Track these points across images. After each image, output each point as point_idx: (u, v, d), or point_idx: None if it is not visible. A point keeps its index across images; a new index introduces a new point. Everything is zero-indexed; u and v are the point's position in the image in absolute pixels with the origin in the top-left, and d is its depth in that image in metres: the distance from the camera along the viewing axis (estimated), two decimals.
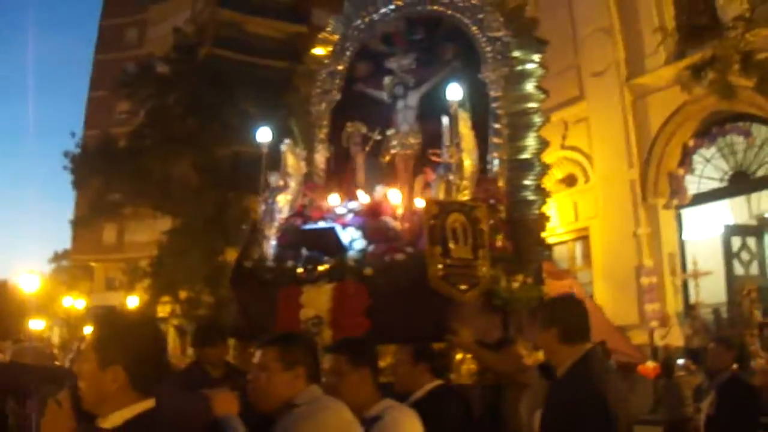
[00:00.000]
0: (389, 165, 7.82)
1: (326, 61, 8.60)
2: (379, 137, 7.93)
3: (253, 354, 6.58)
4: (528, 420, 5.20)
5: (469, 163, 6.47)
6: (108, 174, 27.77)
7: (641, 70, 19.24)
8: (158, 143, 27.12)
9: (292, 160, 7.40)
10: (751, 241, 18.95)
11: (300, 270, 6.64)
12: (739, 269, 18.41)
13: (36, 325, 40.78)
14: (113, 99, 37.20)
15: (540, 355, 5.31)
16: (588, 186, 20.09)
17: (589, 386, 3.93)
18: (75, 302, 46.25)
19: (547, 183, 7.23)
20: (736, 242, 18.71)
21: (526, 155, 7.13)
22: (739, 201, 19.60)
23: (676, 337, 16.62)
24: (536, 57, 7.37)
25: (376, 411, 3.76)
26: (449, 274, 5.88)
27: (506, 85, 7.27)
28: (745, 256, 18.62)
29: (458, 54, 7.84)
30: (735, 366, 8.20)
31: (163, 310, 29.76)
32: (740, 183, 18.37)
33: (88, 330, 45.95)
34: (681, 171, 18.72)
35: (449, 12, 7.87)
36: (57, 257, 61.29)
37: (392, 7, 8.31)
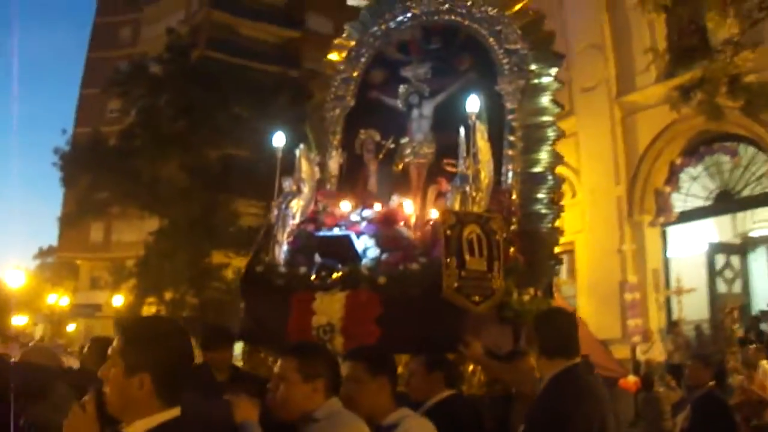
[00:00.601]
0: (402, 173, 7.82)
1: (341, 67, 8.56)
2: (392, 145, 7.92)
3: (263, 358, 6.70)
4: None
5: (484, 174, 6.47)
6: (97, 172, 27.71)
7: (631, 87, 19.43)
8: (148, 143, 27.02)
9: (306, 165, 7.37)
10: (735, 260, 19.23)
11: (313, 277, 6.65)
12: (722, 287, 18.69)
13: (18, 321, 40.66)
14: (105, 97, 36.96)
15: None
16: (575, 201, 20.04)
17: (551, 410, 3.98)
18: (59, 299, 46.11)
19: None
20: (720, 260, 18.97)
21: (539, 168, 7.15)
22: (724, 220, 19.86)
23: (657, 353, 16.75)
24: (553, 71, 7.38)
25: (392, 420, 3.74)
26: (463, 286, 5.89)
27: (522, 97, 7.29)
28: (728, 274, 18.90)
29: (474, 65, 7.83)
30: (712, 383, 8.39)
31: (148, 311, 29.71)
32: (726, 202, 18.58)
33: (71, 327, 45.96)
34: (667, 189, 18.92)
35: (466, 22, 7.88)
36: (42, 254, 61.14)
37: (409, 15, 8.31)
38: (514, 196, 6.83)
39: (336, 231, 7.03)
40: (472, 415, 4.84)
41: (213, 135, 27.26)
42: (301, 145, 7.54)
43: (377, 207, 7.28)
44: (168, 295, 27.69)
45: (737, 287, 19.04)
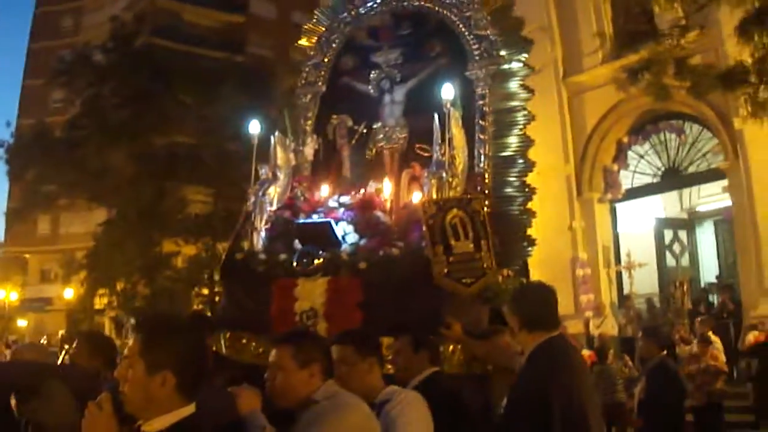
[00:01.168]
0: (376, 158, 7.85)
1: (311, 53, 8.55)
2: (365, 131, 7.95)
3: (245, 344, 6.77)
4: None
5: (459, 160, 6.60)
6: (43, 165, 27.30)
7: (578, 68, 19.69)
8: (94, 133, 26.69)
9: (281, 152, 7.40)
10: (683, 234, 19.76)
11: (295, 263, 6.72)
12: (671, 261, 19.19)
13: None
14: (48, 88, 36.37)
15: None
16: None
17: (534, 380, 4.12)
18: (8, 295, 45.35)
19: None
20: (668, 235, 19.46)
21: (509, 152, 7.18)
22: (672, 196, 20.37)
23: (610, 327, 17.13)
24: (522, 56, 7.48)
25: (383, 396, 3.90)
26: (452, 270, 6.01)
27: (492, 83, 7.36)
28: (676, 248, 19.39)
29: (444, 51, 7.87)
30: (664, 353, 8.87)
31: (99, 302, 29.43)
32: (672, 179, 19.04)
33: (23, 323, 45.25)
34: (615, 167, 19.28)
35: (436, 8, 7.92)
36: None
37: (379, 1, 8.33)
38: (487, 180, 6.91)
39: (315, 218, 7.10)
40: (456, 390, 4.96)
41: (159, 122, 26.99)
42: (276, 132, 7.56)
43: (353, 191, 7.36)
44: (119, 286, 27.45)
45: (685, 261, 19.56)
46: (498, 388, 5.60)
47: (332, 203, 7.27)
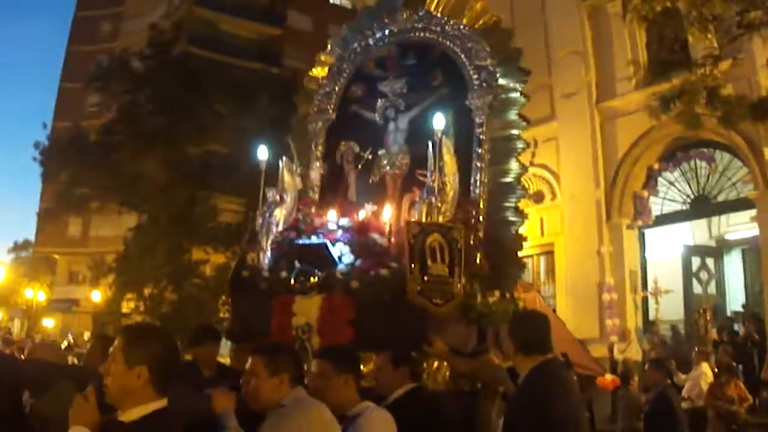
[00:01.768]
0: (379, 183, 8.18)
1: (323, 82, 8.90)
2: (370, 157, 8.28)
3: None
4: (498, 424, 5.71)
5: (450, 187, 6.87)
6: (77, 167, 27.60)
7: (611, 94, 19.66)
8: (129, 139, 26.99)
9: (288, 176, 7.72)
10: (710, 262, 19.62)
11: (293, 281, 7.07)
12: (697, 288, 19.05)
13: None
14: (84, 91, 36.78)
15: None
16: (555, 203, 20.43)
17: (533, 397, 4.39)
18: (36, 294, 45.87)
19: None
20: (695, 262, 19.34)
21: (506, 179, 7.46)
22: (700, 223, 20.24)
23: (634, 352, 17.08)
24: (519, 86, 7.71)
25: (355, 411, 4.22)
26: (425, 289, 6.28)
27: (490, 112, 7.58)
28: (703, 275, 19.26)
29: (446, 81, 8.14)
30: (668, 382, 9.52)
31: (126, 306, 29.68)
32: (702, 206, 18.87)
33: (49, 323, 45.73)
34: (645, 192, 19.18)
35: (440, 39, 8.19)
36: (17, 247, 60.61)
37: (387, 32, 8.66)
38: (481, 205, 7.17)
39: (314, 239, 7.38)
40: (434, 405, 5.31)
41: (193, 131, 27.29)
42: (284, 158, 7.90)
43: (352, 214, 7.64)
44: (147, 291, 27.59)
45: (712, 288, 19.41)
46: (484, 404, 6.05)
47: (332, 225, 7.54)
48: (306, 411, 3.77)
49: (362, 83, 8.78)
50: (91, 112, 41.38)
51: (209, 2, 42.94)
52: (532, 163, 19.27)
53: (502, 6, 19.91)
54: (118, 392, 3.05)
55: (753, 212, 17.29)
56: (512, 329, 4.81)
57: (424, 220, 6.72)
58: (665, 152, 18.82)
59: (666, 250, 19.69)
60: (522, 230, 7.44)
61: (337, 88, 8.82)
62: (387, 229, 7.21)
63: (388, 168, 8.11)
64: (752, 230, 17.94)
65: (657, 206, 19.38)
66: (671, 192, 19.27)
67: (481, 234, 6.98)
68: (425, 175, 7.00)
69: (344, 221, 7.53)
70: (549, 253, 20.70)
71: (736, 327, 17.30)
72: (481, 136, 7.54)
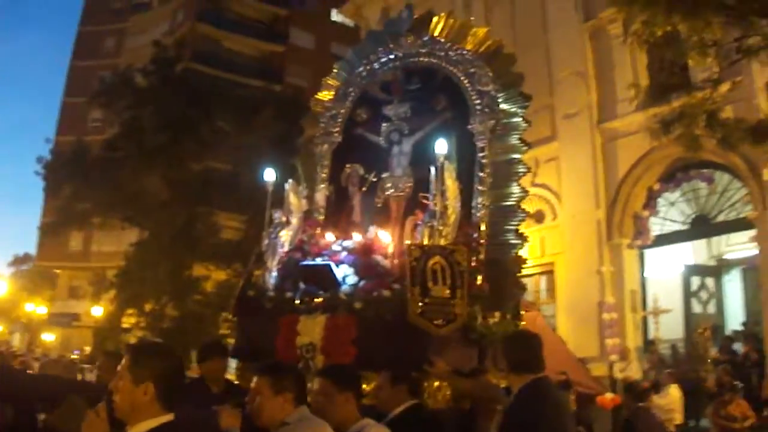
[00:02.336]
0: (383, 205, 8.29)
1: (329, 105, 9.05)
2: (375, 179, 8.40)
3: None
4: None
5: (451, 210, 6.98)
6: (79, 182, 27.81)
7: (612, 115, 19.76)
8: (132, 155, 27.17)
9: (294, 198, 7.86)
10: (710, 281, 19.72)
11: (298, 301, 7.21)
12: (697, 307, 19.15)
13: None
14: (87, 107, 36.95)
15: None
16: (555, 223, 20.50)
17: (523, 415, 4.61)
18: (36, 308, 45.83)
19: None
20: (695, 282, 19.44)
21: (507, 202, 7.56)
22: (700, 243, 20.32)
23: (634, 371, 17.17)
24: (521, 111, 7.81)
25: (355, 428, 4.30)
26: (426, 311, 6.40)
27: (492, 136, 7.71)
28: (703, 295, 19.36)
29: (449, 105, 8.27)
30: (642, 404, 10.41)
31: (127, 321, 29.73)
32: (701, 226, 18.92)
33: (49, 337, 45.70)
34: (646, 213, 19.24)
35: (443, 64, 8.33)
36: (17, 261, 60.63)
37: (392, 57, 8.80)
38: (483, 228, 7.26)
39: (318, 260, 7.50)
40: (433, 422, 5.42)
41: (195, 148, 27.45)
42: (290, 180, 8.05)
43: (357, 237, 7.72)
44: (148, 307, 27.74)
45: (712, 308, 19.50)
46: (482, 421, 6.02)
47: (336, 247, 7.66)
48: (309, 429, 3.86)
49: (367, 107, 8.92)
50: (93, 127, 41.60)
51: (212, 19, 43.20)
52: (533, 183, 19.42)
53: (504, 27, 20.14)
54: (127, 408, 3.14)
55: (752, 232, 17.35)
56: (505, 349, 5.03)
57: (426, 242, 6.82)
58: (665, 173, 18.90)
59: (666, 270, 19.76)
60: (522, 252, 7.53)
61: (342, 111, 8.96)
62: (390, 250, 7.33)
63: (392, 191, 8.24)
64: (752, 250, 18.03)
65: (657, 226, 19.42)
66: (671, 212, 19.32)
67: (482, 256, 7.05)
68: (428, 198, 7.11)
69: (348, 243, 7.64)
70: (549, 273, 20.74)
71: (735, 346, 17.39)
72: (482, 160, 7.66)
